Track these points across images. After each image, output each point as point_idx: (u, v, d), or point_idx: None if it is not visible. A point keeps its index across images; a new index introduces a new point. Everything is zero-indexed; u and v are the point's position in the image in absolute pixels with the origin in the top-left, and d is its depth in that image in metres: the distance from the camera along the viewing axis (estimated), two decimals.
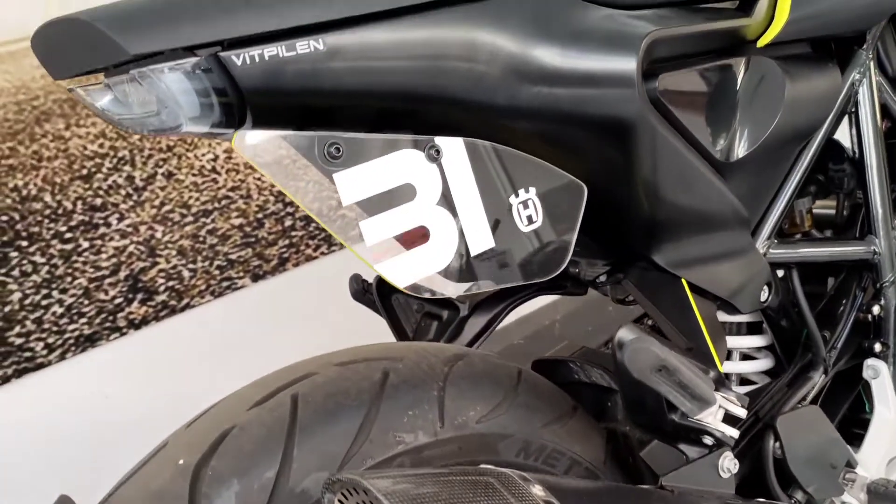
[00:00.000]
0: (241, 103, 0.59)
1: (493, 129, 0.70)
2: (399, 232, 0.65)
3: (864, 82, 0.98)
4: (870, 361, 1.04)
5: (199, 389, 0.92)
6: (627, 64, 0.70)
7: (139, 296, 1.64)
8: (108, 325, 1.60)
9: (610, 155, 0.75)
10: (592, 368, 0.93)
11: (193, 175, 1.72)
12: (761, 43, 0.84)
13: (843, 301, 1.06)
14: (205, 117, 0.59)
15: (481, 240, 0.69)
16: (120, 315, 1.62)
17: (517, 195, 0.71)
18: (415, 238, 0.66)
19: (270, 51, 0.58)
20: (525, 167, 0.71)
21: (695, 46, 0.80)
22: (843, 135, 1.02)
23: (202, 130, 0.60)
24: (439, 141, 0.66)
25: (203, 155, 1.74)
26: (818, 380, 0.98)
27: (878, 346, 1.04)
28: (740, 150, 0.84)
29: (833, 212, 1.09)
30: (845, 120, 1.00)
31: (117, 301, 1.61)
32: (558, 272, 0.73)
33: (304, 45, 0.59)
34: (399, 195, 0.65)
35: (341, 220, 0.62)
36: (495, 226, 0.69)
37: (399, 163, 0.65)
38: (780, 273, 0.98)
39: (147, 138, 1.65)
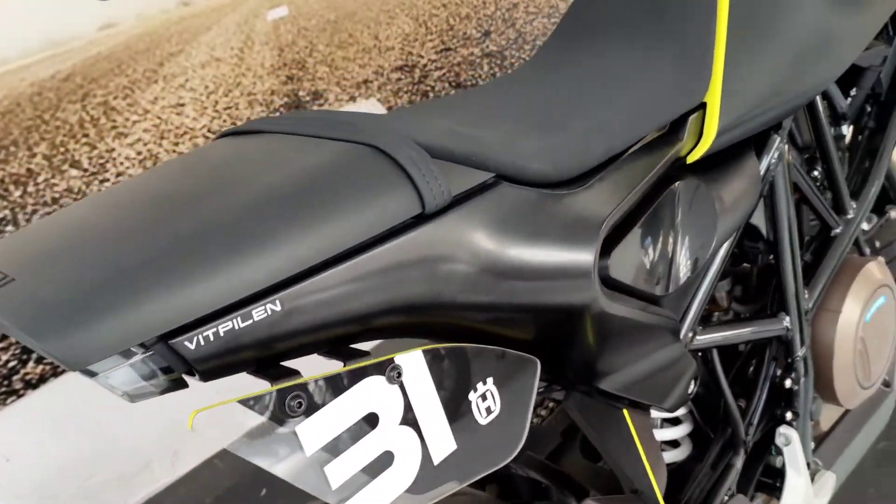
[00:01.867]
0: (190, 373, 0.55)
1: (451, 327, 0.68)
2: (364, 464, 0.62)
3: (778, 166, 1.00)
4: (782, 429, 1.11)
5: None
6: (586, 256, 0.69)
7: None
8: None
9: (562, 330, 0.74)
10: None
11: None
12: (691, 159, 0.85)
13: (758, 373, 1.12)
14: (150, 393, 0.55)
15: (444, 446, 0.67)
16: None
17: (475, 390, 0.69)
18: (380, 465, 0.63)
19: (225, 326, 0.53)
20: (482, 359, 0.69)
21: (637, 196, 0.79)
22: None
23: (149, 395, 0.56)
24: (399, 359, 0.63)
25: None
26: (740, 466, 1.04)
27: (789, 415, 1.11)
28: (680, 279, 0.85)
29: (746, 288, 1.13)
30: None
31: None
32: (518, 451, 0.73)
33: (260, 311, 0.54)
34: (363, 427, 0.62)
35: (306, 472, 0.59)
36: (457, 428, 0.68)
37: (361, 394, 0.61)
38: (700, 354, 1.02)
39: None
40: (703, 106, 0.83)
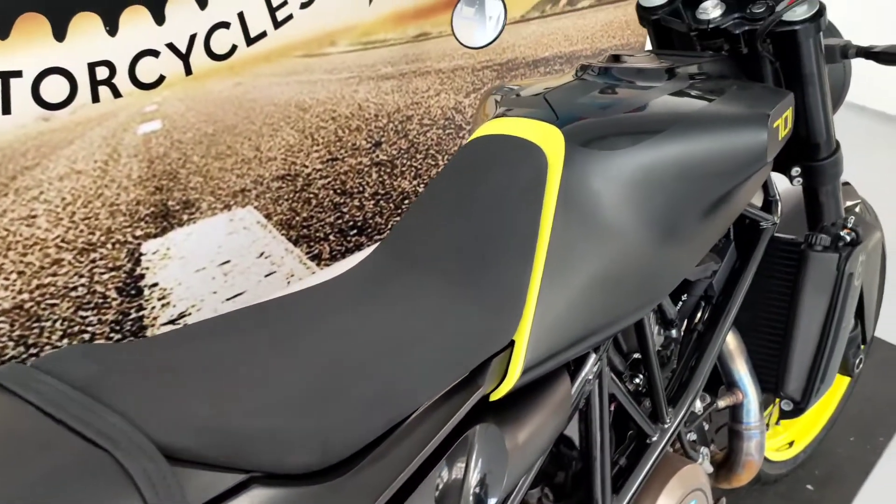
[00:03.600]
0: None
1: None
2: None
3: (595, 382, 0.99)
4: None
5: None
6: None
7: None
8: None
9: None
10: None
11: None
12: (495, 397, 0.83)
13: None
14: None
15: None
16: None
17: None
18: None
19: None
20: None
21: (423, 460, 0.77)
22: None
23: None
24: None
25: None
26: None
27: None
28: None
29: (559, 492, 1.14)
30: None
31: None
32: None
33: None
34: None
35: None
36: None
37: None
38: None
39: None
40: (511, 343, 0.83)
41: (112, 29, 1.29)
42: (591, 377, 0.98)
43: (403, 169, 1.95)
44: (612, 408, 1.10)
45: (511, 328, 0.82)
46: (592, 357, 0.97)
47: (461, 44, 1.44)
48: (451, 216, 0.90)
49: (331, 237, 1.84)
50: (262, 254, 1.70)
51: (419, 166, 1.99)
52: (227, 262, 1.64)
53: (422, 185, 2.01)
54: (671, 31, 1.29)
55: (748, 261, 1.20)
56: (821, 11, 1.11)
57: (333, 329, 0.78)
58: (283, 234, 1.73)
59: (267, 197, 1.67)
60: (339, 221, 1.85)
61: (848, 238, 1.22)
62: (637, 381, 1.11)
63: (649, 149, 0.92)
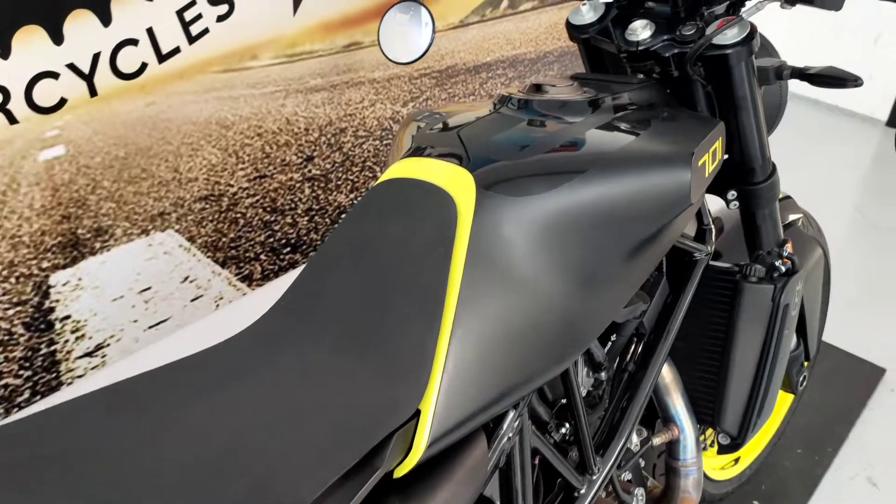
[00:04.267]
0: None
1: None
2: None
3: (515, 439, 0.92)
4: None
5: None
6: None
7: None
8: None
9: None
10: None
11: None
12: (399, 474, 0.75)
13: None
14: None
15: None
16: None
17: None
18: None
19: None
20: None
21: None
22: None
23: None
24: None
25: None
26: None
27: None
28: None
29: None
30: None
31: None
32: None
33: None
34: None
35: None
36: None
37: None
38: None
39: None
40: (416, 413, 0.76)
41: (4, 52, 1.20)
42: (510, 434, 0.92)
43: (339, 183, 1.87)
44: (537, 461, 1.04)
45: (416, 397, 0.75)
46: (511, 414, 0.91)
47: (389, 59, 1.37)
48: (352, 271, 0.83)
49: (262, 257, 1.76)
50: (186, 278, 1.62)
51: (355, 179, 1.91)
52: (148, 288, 1.56)
53: (359, 198, 1.94)
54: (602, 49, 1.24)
55: (682, 293, 1.15)
56: (752, 34, 1.06)
57: (208, 411, 0.70)
58: (208, 257, 1.65)
59: (189, 219, 1.58)
60: (271, 240, 1.77)
61: (783, 268, 1.17)
62: (563, 430, 1.05)
63: (566, 193, 0.86)
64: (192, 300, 1.65)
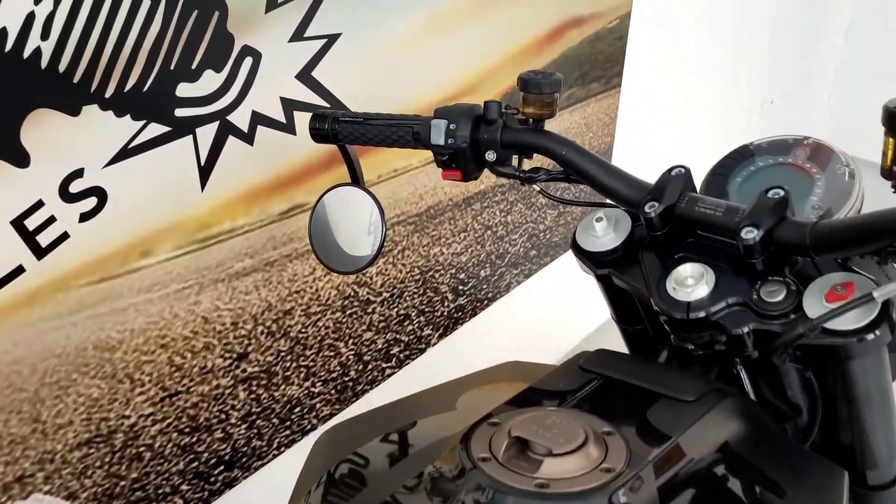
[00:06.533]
0: None
1: None
2: None
3: None
4: None
5: None
6: None
7: None
8: None
9: None
10: None
11: None
12: None
13: None
14: None
15: None
16: None
17: None
18: None
19: None
20: None
21: None
22: None
23: None
24: None
25: None
26: None
27: None
28: None
29: None
30: None
31: None
32: None
33: None
34: None
35: None
36: None
37: None
38: None
39: None
40: None
41: None
42: None
43: (287, 374, 1.43)
44: None
45: None
46: None
47: (327, 266, 0.97)
48: None
49: (183, 487, 1.33)
50: None
51: (310, 364, 1.47)
52: None
53: (317, 384, 1.49)
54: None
55: None
56: (884, 315, 0.64)
57: None
58: None
59: (65, 474, 1.15)
60: (195, 464, 1.33)
61: None
62: None
63: None
64: None
